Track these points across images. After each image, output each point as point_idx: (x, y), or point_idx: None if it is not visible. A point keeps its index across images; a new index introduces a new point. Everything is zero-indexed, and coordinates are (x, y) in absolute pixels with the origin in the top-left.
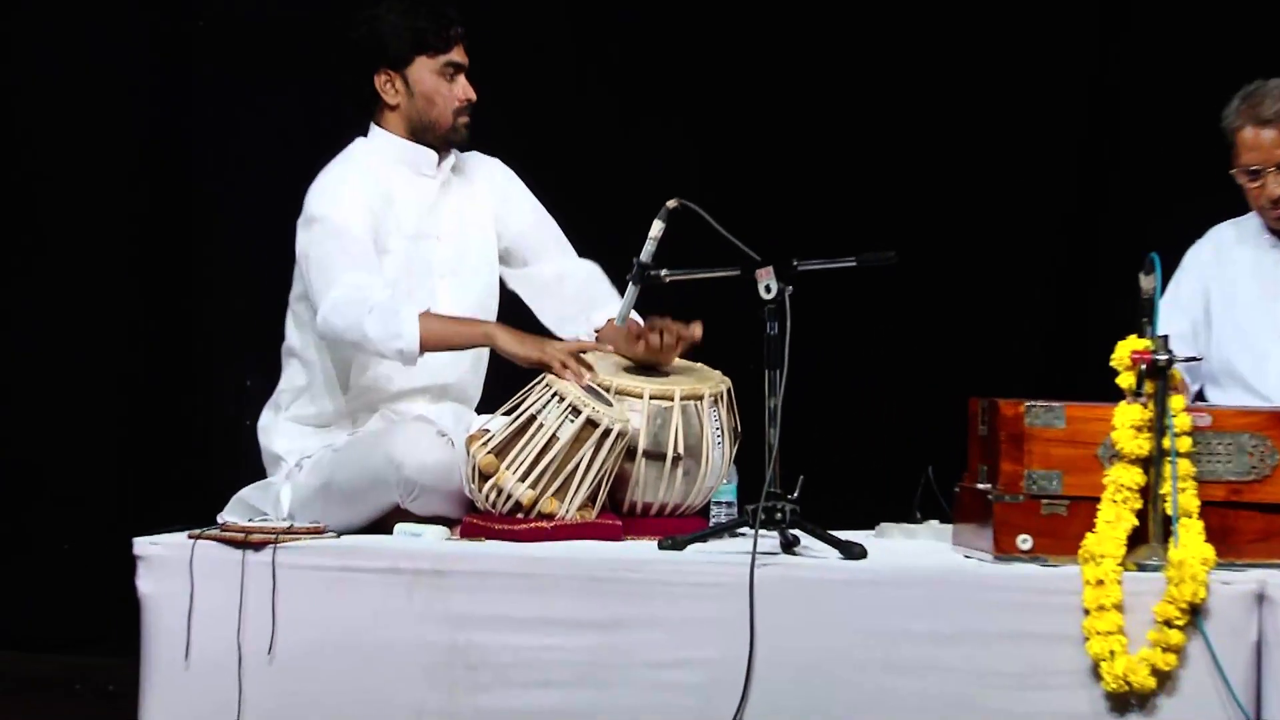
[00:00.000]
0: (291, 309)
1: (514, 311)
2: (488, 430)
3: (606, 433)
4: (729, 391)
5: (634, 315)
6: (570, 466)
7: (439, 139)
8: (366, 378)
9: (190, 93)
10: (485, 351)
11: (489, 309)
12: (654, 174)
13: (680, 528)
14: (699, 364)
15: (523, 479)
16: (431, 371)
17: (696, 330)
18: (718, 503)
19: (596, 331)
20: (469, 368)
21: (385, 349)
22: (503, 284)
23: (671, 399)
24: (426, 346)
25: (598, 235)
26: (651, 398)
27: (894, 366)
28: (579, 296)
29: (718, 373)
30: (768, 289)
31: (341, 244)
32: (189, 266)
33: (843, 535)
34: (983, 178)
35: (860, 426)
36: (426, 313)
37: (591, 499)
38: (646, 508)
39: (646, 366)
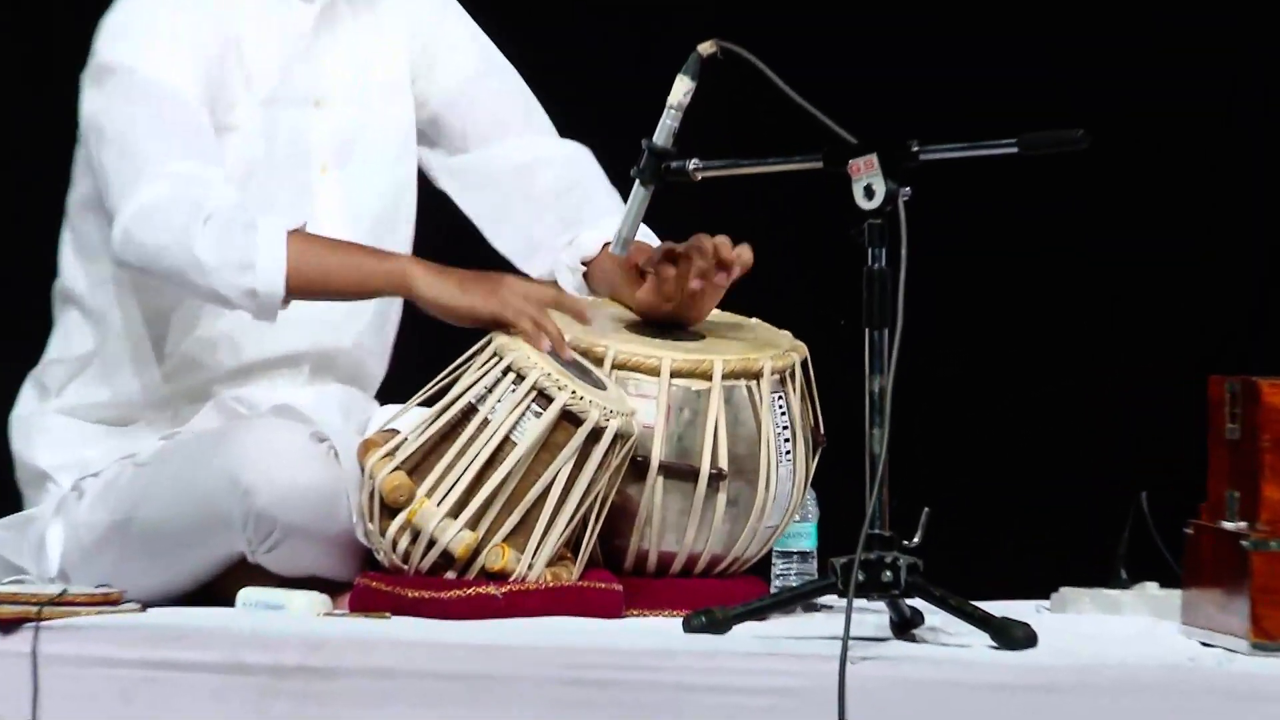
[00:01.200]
0: (69, 223)
1: (447, 233)
2: (396, 431)
3: (596, 434)
4: (805, 365)
5: (645, 232)
6: (535, 492)
7: None
8: (194, 340)
9: None
10: (394, 303)
11: (400, 224)
12: (683, 15)
13: (723, 595)
14: (753, 319)
15: (455, 513)
16: (302, 331)
17: (746, 254)
18: (784, 553)
19: (585, 264)
20: (367, 326)
21: (228, 286)
22: (426, 183)
23: (708, 377)
24: (297, 288)
25: (589, 113)
26: (674, 375)
27: (1080, 327)
28: (558, 203)
29: (785, 334)
30: (869, 192)
31: (158, 113)
32: None
33: (995, 608)
34: (1230, 35)
35: (1023, 426)
36: (300, 231)
37: (572, 547)
38: (665, 562)
39: (664, 323)
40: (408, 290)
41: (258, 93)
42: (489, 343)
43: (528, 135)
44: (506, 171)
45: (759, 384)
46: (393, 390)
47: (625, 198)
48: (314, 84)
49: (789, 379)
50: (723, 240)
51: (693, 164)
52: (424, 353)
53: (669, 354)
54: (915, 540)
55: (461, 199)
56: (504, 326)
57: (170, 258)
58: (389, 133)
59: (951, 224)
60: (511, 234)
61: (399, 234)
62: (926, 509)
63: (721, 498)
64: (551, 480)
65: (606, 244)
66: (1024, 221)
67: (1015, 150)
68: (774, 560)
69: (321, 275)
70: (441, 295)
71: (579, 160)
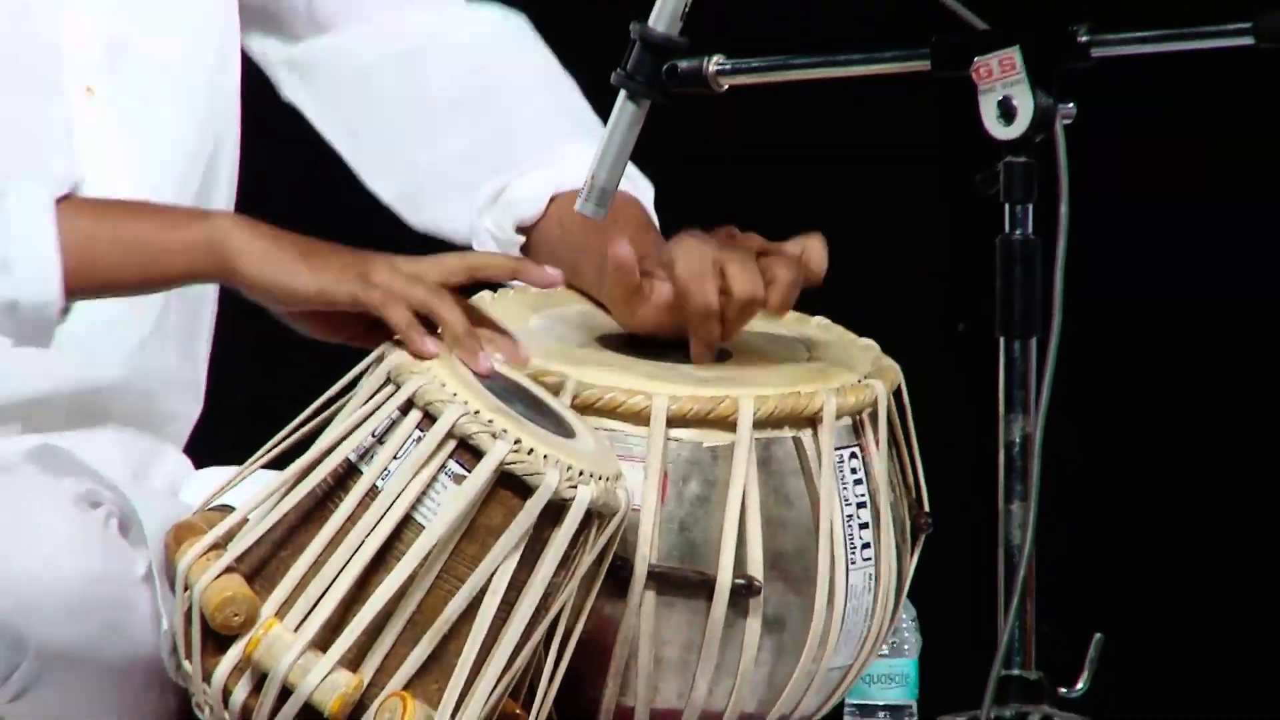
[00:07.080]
0: None
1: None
2: (228, 509)
3: (556, 510)
4: (897, 399)
5: (637, 183)
6: (457, 608)
7: None
8: None
9: None
10: (204, 294)
11: (219, 170)
12: None
13: None
14: (814, 319)
15: (323, 644)
16: (26, 362)
17: (816, 257)
18: (864, 708)
19: (523, 230)
20: (149, 337)
21: None
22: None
23: (731, 425)
24: (78, 289)
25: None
26: (675, 422)
27: None
28: (470, 119)
29: (867, 344)
30: (1006, 110)
31: None
32: None
33: None
34: None
35: (1235, 495)
36: (71, 199)
37: (523, 699)
38: None
39: (661, 335)
40: (224, 269)
41: None
42: (379, 360)
43: (407, 6)
44: (379, 63)
45: (817, 434)
46: (219, 445)
47: (599, 117)
48: None
49: (869, 424)
50: (813, 247)
51: (715, 64)
52: (274, 374)
53: (665, 386)
54: (1080, 685)
55: (317, 114)
56: (382, 317)
57: None
58: (192, 17)
59: (1119, 174)
60: (392, 171)
61: (217, 186)
62: (1098, 635)
63: (753, 624)
64: (483, 587)
65: (556, 199)
66: (1250, 170)
67: (1250, 41)
68: None
69: (98, 262)
70: (278, 273)
71: (508, 44)
